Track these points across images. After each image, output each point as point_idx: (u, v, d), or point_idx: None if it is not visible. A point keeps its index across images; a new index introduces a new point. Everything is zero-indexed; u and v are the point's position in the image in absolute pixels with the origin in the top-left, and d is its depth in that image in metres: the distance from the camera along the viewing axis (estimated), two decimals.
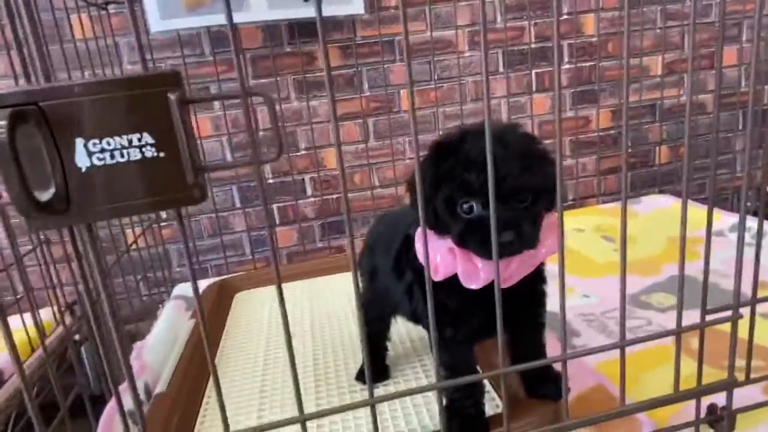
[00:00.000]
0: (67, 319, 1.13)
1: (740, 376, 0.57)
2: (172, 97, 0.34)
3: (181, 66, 1.18)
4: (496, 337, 0.46)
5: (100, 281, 0.39)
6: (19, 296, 0.99)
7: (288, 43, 1.26)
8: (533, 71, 1.39)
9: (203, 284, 1.17)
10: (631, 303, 0.96)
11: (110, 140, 0.34)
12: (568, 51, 1.39)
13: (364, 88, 1.32)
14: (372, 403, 0.45)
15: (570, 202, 1.49)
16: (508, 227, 0.45)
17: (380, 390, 0.72)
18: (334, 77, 1.29)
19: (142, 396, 0.77)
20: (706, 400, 0.57)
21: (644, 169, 1.51)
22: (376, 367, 0.74)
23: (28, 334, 0.97)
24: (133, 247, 1.15)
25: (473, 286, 0.49)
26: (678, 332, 0.53)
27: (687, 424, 0.57)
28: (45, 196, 0.34)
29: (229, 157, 1.30)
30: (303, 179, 1.35)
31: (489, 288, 0.46)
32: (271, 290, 1.14)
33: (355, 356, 0.80)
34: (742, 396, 0.60)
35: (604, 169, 1.49)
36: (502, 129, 0.51)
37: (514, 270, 0.49)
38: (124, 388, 0.75)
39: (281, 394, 0.74)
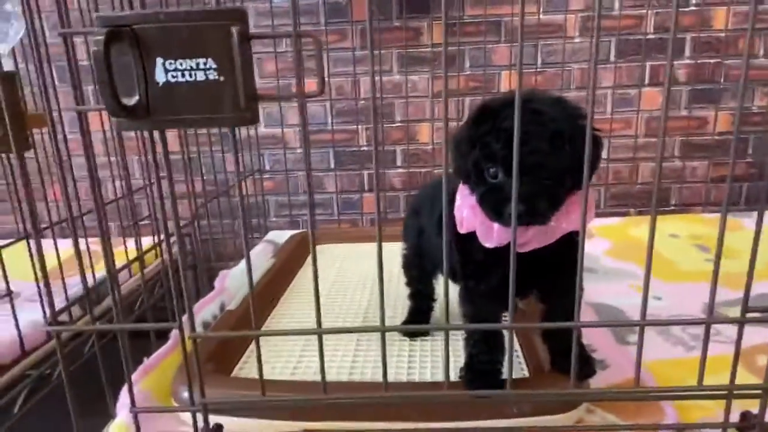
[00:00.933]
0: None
1: None
2: (234, 30, 0.41)
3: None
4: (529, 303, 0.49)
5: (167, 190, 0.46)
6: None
7: (396, 17, 1.31)
8: (647, 63, 1.31)
9: (288, 234, 1.28)
10: (704, 311, 0.90)
11: (182, 61, 0.42)
12: (691, 45, 1.29)
13: (466, 66, 1.33)
14: (382, 330, 0.50)
15: (671, 207, 1.40)
16: (521, 200, 0.46)
17: (418, 343, 0.76)
18: (436, 54, 1.32)
19: (217, 311, 0.88)
20: (739, 406, 0.54)
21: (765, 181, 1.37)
22: (418, 323, 0.78)
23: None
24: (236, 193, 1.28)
25: (487, 245, 0.51)
26: (708, 322, 0.51)
27: (712, 425, 0.55)
28: (130, 101, 0.42)
29: (329, 119, 1.39)
30: (395, 150, 1.40)
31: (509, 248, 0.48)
32: (346, 247, 1.22)
33: (404, 311, 0.85)
34: None
35: (716, 176, 1.38)
36: (546, 101, 0.52)
37: (531, 237, 0.51)
38: (198, 307, 0.87)
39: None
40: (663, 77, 1.31)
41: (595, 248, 1.19)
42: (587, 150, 0.44)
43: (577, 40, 1.31)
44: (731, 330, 0.84)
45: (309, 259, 1.14)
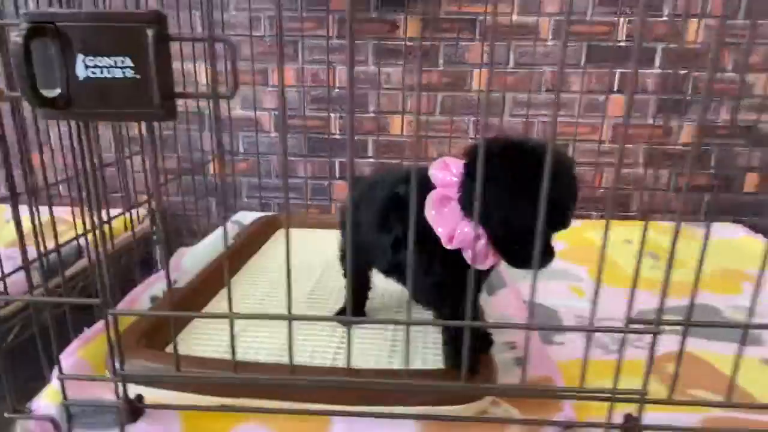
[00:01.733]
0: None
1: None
2: (149, 32, 0.44)
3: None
4: None
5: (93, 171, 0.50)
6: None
7: (374, 9, 1.33)
8: (617, 70, 1.33)
9: (254, 216, 1.31)
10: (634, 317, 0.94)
11: (101, 58, 0.45)
12: (662, 55, 1.31)
13: (439, 62, 1.36)
14: (349, 322, 0.53)
15: (632, 213, 1.43)
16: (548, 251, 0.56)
17: (355, 331, 0.80)
18: (410, 48, 1.34)
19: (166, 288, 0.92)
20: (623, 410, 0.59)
21: (725, 194, 1.40)
22: (355, 310, 0.82)
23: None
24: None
25: (476, 266, 0.57)
26: (590, 330, 0.55)
27: (596, 424, 0.59)
28: (52, 93, 0.45)
29: (304, 105, 1.41)
30: (367, 140, 1.43)
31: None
32: (308, 232, 1.25)
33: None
34: (670, 418, 0.60)
35: (679, 186, 1.41)
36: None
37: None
38: (153, 279, 0.91)
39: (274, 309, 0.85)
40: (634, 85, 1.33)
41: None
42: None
43: (549, 42, 1.33)
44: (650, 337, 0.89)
45: (267, 243, 1.19)
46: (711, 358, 0.81)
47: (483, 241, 0.58)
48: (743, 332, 0.56)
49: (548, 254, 0.58)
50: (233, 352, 0.55)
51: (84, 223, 1.01)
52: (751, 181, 1.39)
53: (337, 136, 1.43)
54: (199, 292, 0.89)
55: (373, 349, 0.76)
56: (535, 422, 0.60)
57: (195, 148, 1.41)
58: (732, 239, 1.29)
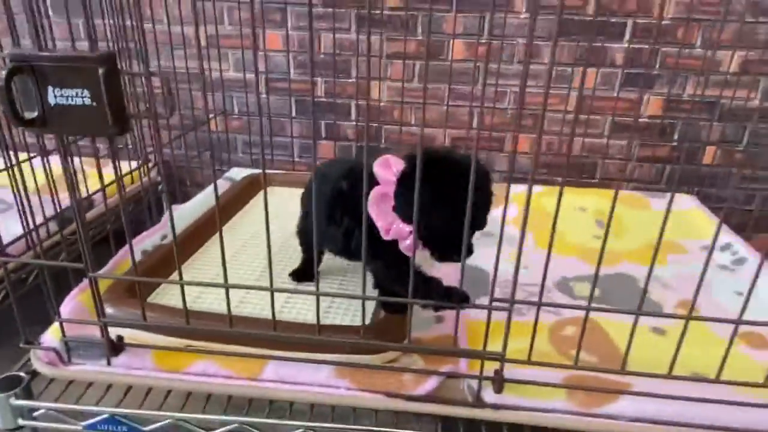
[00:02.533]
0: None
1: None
2: (100, 70, 0.57)
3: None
4: None
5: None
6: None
7: None
8: (588, 44, 1.38)
9: (244, 172, 1.46)
10: (557, 284, 1.07)
11: (66, 90, 0.58)
12: (631, 29, 1.36)
13: (417, 32, 1.43)
14: (318, 294, 0.68)
15: (595, 180, 1.52)
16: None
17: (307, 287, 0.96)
18: (391, 17, 1.41)
19: (157, 242, 1.08)
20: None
21: (687, 165, 1.47)
22: (308, 271, 0.98)
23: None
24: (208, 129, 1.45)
25: (407, 254, 0.70)
26: (458, 308, 0.69)
27: (471, 376, 0.74)
28: (31, 115, 0.59)
29: (293, 70, 1.51)
30: (350, 104, 1.53)
31: None
32: (292, 191, 1.39)
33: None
34: (534, 374, 0.74)
35: (641, 156, 1.48)
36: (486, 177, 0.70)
37: None
38: (145, 234, 1.07)
39: (239, 268, 1.02)
40: (601, 58, 1.39)
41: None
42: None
43: (523, 15, 1.38)
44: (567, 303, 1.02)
45: (252, 201, 1.33)
46: (606, 324, 0.94)
47: (412, 236, 0.70)
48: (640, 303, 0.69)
49: (469, 251, 0.70)
50: (185, 308, 0.71)
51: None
52: (711, 153, 1.46)
53: (323, 99, 1.54)
54: (181, 247, 1.05)
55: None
56: (424, 372, 0.75)
57: (196, 107, 1.55)
58: (681, 210, 1.38)
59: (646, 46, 1.37)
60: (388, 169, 0.73)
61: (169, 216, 0.67)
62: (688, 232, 1.29)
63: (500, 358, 0.70)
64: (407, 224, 0.69)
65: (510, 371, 0.73)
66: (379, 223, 0.72)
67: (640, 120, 1.45)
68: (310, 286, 0.97)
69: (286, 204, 1.33)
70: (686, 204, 1.40)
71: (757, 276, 0.66)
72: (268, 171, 1.49)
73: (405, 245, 0.71)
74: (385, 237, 0.72)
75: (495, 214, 0.73)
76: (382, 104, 1.52)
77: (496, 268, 0.68)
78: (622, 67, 1.39)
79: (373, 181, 0.73)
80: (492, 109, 1.46)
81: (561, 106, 1.45)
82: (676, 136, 1.45)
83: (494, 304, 0.68)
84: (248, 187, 1.37)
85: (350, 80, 1.51)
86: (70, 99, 0.58)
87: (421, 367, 0.78)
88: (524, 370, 0.74)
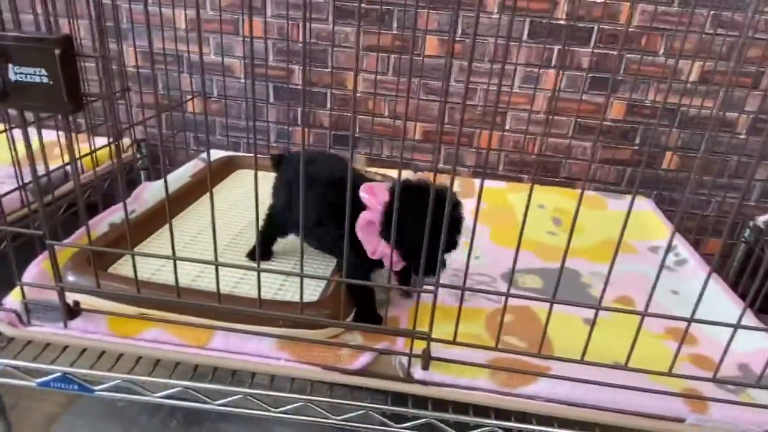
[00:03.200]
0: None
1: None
2: (56, 51, 0.61)
3: None
4: None
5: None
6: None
7: None
8: (555, 47, 1.43)
9: (219, 154, 1.50)
10: (503, 275, 1.13)
11: (25, 68, 0.62)
12: (597, 35, 1.40)
13: (393, 26, 1.47)
14: (259, 270, 0.73)
15: (560, 179, 1.58)
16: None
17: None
18: (367, 11, 1.45)
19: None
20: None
21: (647, 169, 1.53)
22: (266, 250, 1.03)
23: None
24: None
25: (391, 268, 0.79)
26: (388, 287, 0.74)
27: (402, 353, 0.79)
28: None
29: (271, 56, 1.55)
30: (326, 93, 1.58)
31: None
32: (265, 174, 1.44)
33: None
34: (460, 354, 0.80)
35: (603, 158, 1.54)
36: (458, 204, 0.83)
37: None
38: (114, 207, 1.11)
39: (205, 243, 1.06)
40: (568, 62, 1.44)
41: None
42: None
43: (494, 15, 1.42)
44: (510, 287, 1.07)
45: (221, 183, 1.38)
46: (542, 314, 0.99)
47: (395, 255, 0.80)
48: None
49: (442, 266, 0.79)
50: (135, 277, 0.76)
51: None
52: (670, 158, 1.51)
53: (299, 86, 1.58)
54: (148, 222, 1.10)
55: (269, 279, 0.97)
56: (359, 347, 0.81)
57: (174, 87, 1.59)
58: (635, 212, 1.43)
59: (612, 52, 1.41)
60: (374, 196, 0.83)
61: (139, 189, 0.71)
62: (639, 233, 1.35)
63: (427, 337, 0.76)
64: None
65: (438, 350, 0.78)
66: (366, 246, 0.83)
67: (603, 123, 1.50)
68: (270, 264, 1.02)
69: (260, 185, 1.38)
70: (641, 206, 1.46)
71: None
72: (240, 154, 1.54)
73: (387, 262, 0.80)
74: (372, 257, 0.83)
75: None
76: (357, 95, 1.56)
77: (422, 258, 0.73)
78: (588, 71, 1.44)
79: (360, 205, 0.82)
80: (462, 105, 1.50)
81: (528, 105, 1.50)
82: (637, 140, 1.50)
83: (424, 287, 0.73)
84: (221, 168, 1.41)
85: (326, 70, 1.55)
86: (28, 77, 0.62)
87: (359, 344, 0.84)
88: (451, 350, 0.80)
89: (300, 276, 0.75)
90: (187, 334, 0.82)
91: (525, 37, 1.43)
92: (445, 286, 0.73)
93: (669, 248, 0.72)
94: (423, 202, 0.70)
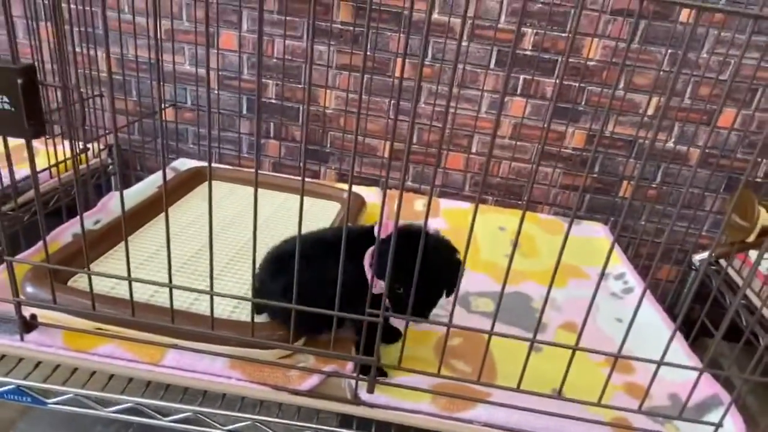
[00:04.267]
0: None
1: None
2: (19, 81, 0.63)
3: None
4: None
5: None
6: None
7: None
8: (521, 76, 1.48)
9: (190, 164, 1.52)
10: (460, 297, 1.17)
11: None
12: (561, 67, 1.46)
13: (367, 47, 1.50)
14: (212, 294, 0.76)
15: (521, 202, 1.63)
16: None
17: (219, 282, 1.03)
18: (342, 31, 1.48)
19: (90, 226, 1.14)
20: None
21: (604, 196, 1.59)
22: None
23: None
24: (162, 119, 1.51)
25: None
26: (336, 314, 0.77)
27: (349, 376, 0.83)
28: None
29: (246, 69, 1.58)
30: (299, 108, 1.61)
31: None
32: (231, 186, 1.47)
33: (239, 268, 1.11)
34: (407, 380, 0.83)
35: (564, 183, 1.59)
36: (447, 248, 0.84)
37: None
38: (75, 220, 1.12)
39: (163, 258, 1.08)
40: (533, 90, 1.49)
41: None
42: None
43: (464, 43, 1.47)
44: (463, 316, 1.11)
45: (191, 193, 1.40)
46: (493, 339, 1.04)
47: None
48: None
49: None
50: (92, 295, 0.78)
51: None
52: (629, 188, 1.58)
53: (273, 100, 1.60)
54: (114, 232, 1.12)
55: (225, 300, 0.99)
56: (306, 369, 0.84)
57: (146, 95, 1.61)
58: (591, 237, 1.50)
59: (574, 84, 1.47)
60: (385, 231, 0.83)
61: (106, 199, 0.73)
62: (593, 259, 1.40)
63: (373, 362, 0.80)
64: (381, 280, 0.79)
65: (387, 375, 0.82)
66: (370, 275, 0.81)
67: (564, 150, 1.55)
68: (228, 284, 1.04)
69: (226, 198, 1.40)
70: (597, 232, 1.52)
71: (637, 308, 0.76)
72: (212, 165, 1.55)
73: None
74: (374, 291, 0.80)
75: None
76: (329, 111, 1.60)
77: (371, 283, 0.76)
78: (552, 100, 1.50)
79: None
80: (430, 127, 1.55)
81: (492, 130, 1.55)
82: (596, 168, 1.56)
83: (368, 316, 0.76)
84: (189, 179, 1.43)
85: (300, 86, 1.58)
86: None
87: (312, 365, 0.87)
88: (397, 374, 0.83)
89: (251, 300, 0.78)
90: (140, 350, 0.84)
91: (492, 65, 1.48)
92: (389, 315, 0.76)
93: (602, 274, 0.76)
94: (415, 244, 0.73)
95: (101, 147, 1.57)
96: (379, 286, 0.80)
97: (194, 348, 0.83)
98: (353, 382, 0.83)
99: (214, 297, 0.79)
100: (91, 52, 1.42)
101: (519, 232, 0.72)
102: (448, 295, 0.84)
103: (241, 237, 1.22)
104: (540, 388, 0.85)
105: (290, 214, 1.35)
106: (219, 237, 1.20)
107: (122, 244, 1.13)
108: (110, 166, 1.65)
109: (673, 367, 0.80)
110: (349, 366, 0.87)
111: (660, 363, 0.77)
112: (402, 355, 0.80)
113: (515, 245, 0.75)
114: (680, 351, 1.00)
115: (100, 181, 1.61)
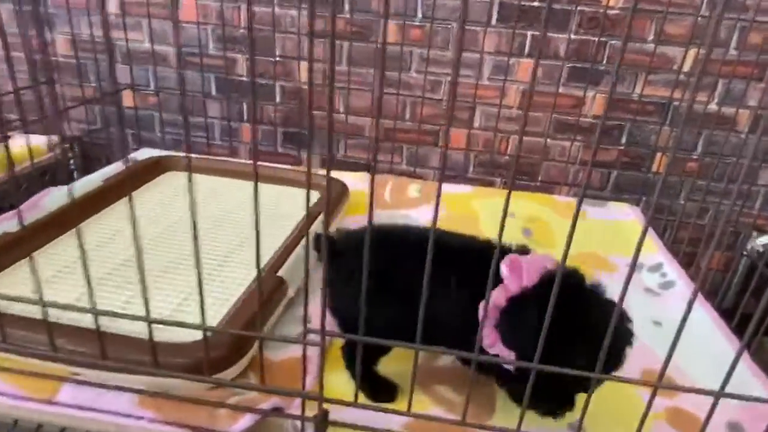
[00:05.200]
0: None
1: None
2: None
3: None
4: None
5: None
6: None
7: None
8: (529, 32, 1.25)
9: (152, 153, 1.33)
10: None
11: None
12: (577, 18, 1.22)
13: (345, 9, 1.29)
14: (150, 321, 0.57)
15: (537, 184, 1.40)
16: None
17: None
18: None
19: (15, 227, 0.96)
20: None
21: (633, 172, 1.35)
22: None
23: None
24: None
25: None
26: (263, 337, 0.57)
27: (294, 416, 0.62)
28: None
29: (211, 44, 1.38)
30: (274, 85, 1.41)
31: None
32: (196, 177, 1.27)
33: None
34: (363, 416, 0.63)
35: (586, 159, 1.35)
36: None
37: None
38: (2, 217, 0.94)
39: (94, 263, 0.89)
40: (544, 49, 1.25)
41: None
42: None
43: None
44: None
45: (144, 187, 1.21)
46: None
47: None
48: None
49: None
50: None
51: None
52: (664, 161, 1.33)
53: (244, 79, 1.41)
54: (32, 236, 0.94)
55: (170, 296, 0.81)
56: (241, 408, 0.64)
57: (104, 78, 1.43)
58: (619, 221, 1.26)
59: (593, 38, 1.23)
60: (518, 276, 0.59)
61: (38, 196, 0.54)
62: (622, 246, 1.16)
63: (318, 398, 0.59)
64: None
65: (343, 411, 0.61)
66: (484, 333, 0.58)
67: (584, 119, 1.31)
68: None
69: (184, 191, 1.21)
70: (627, 215, 1.27)
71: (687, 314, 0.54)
72: (173, 154, 1.37)
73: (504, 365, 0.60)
74: (489, 350, 0.59)
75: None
76: (306, 87, 1.39)
77: (306, 294, 0.56)
78: (565, 60, 1.26)
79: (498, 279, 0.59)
80: (422, 99, 1.33)
81: (497, 100, 1.32)
82: (623, 140, 1.32)
83: (308, 337, 0.56)
84: (145, 171, 1.24)
85: (274, 59, 1.38)
86: None
87: (247, 401, 0.67)
88: (354, 411, 0.63)
89: (147, 322, 0.58)
90: (29, 383, 0.66)
91: (494, 21, 1.25)
92: (332, 334, 0.56)
93: (633, 266, 0.53)
94: (575, 307, 0.52)
95: (56, 140, 1.40)
96: (498, 350, 0.58)
97: (85, 381, 0.64)
98: (298, 423, 0.62)
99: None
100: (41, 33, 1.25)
101: (505, 211, 0.50)
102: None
103: (189, 237, 1.02)
104: (551, 424, 0.63)
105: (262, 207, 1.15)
106: (163, 239, 1.01)
107: (54, 243, 0.95)
108: (71, 161, 1.49)
109: (735, 381, 0.57)
110: (297, 402, 0.66)
111: (720, 394, 0.54)
112: (357, 391, 0.59)
113: (501, 223, 0.52)
114: (745, 370, 0.76)
115: (62, 176, 1.45)
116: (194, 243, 0.51)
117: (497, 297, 0.59)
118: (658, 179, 1.33)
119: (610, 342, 0.49)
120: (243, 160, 1.41)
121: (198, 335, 0.72)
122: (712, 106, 1.24)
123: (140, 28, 1.39)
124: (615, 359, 0.57)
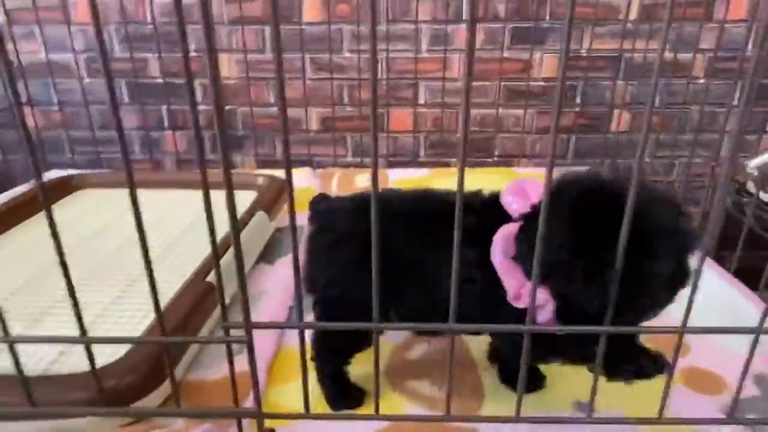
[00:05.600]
0: None
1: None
2: None
3: None
4: None
5: None
6: None
7: None
8: None
9: (57, 174, 1.16)
10: None
11: None
12: None
13: None
14: (86, 343, 0.42)
15: (494, 159, 1.30)
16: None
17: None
18: None
19: None
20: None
21: (594, 134, 1.27)
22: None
23: None
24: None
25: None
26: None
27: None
28: None
29: (116, 46, 1.23)
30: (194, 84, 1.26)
31: None
32: (110, 193, 1.11)
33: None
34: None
35: (541, 126, 1.27)
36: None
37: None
38: None
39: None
40: (483, 12, 1.16)
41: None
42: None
43: None
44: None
45: (36, 217, 1.03)
46: (469, 338, 0.70)
47: (551, 308, 0.44)
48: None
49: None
50: None
51: None
52: (624, 119, 1.25)
53: (159, 81, 1.26)
54: None
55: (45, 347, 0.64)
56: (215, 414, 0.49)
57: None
58: None
59: None
60: (524, 197, 0.47)
61: None
62: None
63: (256, 414, 0.44)
64: (541, 285, 0.43)
65: (299, 425, 0.47)
66: (508, 282, 0.45)
67: (534, 83, 1.23)
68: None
69: (90, 211, 1.04)
70: None
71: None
72: (85, 171, 1.19)
73: (543, 317, 0.45)
74: (516, 303, 0.45)
75: None
76: (231, 82, 1.25)
77: (219, 280, 0.42)
78: (505, 21, 1.17)
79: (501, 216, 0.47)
80: (359, 81, 1.21)
81: (441, 72, 1.21)
82: (578, 100, 1.23)
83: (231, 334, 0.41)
84: (53, 190, 1.07)
85: (193, 54, 1.23)
86: None
87: (180, 429, 0.52)
88: (309, 424, 0.48)
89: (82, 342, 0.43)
90: None
91: None
92: (260, 326, 0.42)
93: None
94: (611, 208, 0.38)
95: None
96: (525, 293, 0.44)
97: None
98: None
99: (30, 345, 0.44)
100: None
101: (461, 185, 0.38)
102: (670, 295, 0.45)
103: (95, 257, 0.85)
104: (556, 406, 0.52)
105: (186, 214, 1.00)
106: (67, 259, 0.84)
107: None
108: None
109: (748, 338, 0.45)
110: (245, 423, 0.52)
111: (760, 331, 0.43)
112: (308, 394, 0.45)
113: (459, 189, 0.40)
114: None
115: None
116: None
117: (507, 230, 0.46)
118: (619, 139, 1.25)
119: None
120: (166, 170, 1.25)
121: (110, 359, 0.56)
122: (667, 54, 1.18)
123: (33, 37, 1.22)
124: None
